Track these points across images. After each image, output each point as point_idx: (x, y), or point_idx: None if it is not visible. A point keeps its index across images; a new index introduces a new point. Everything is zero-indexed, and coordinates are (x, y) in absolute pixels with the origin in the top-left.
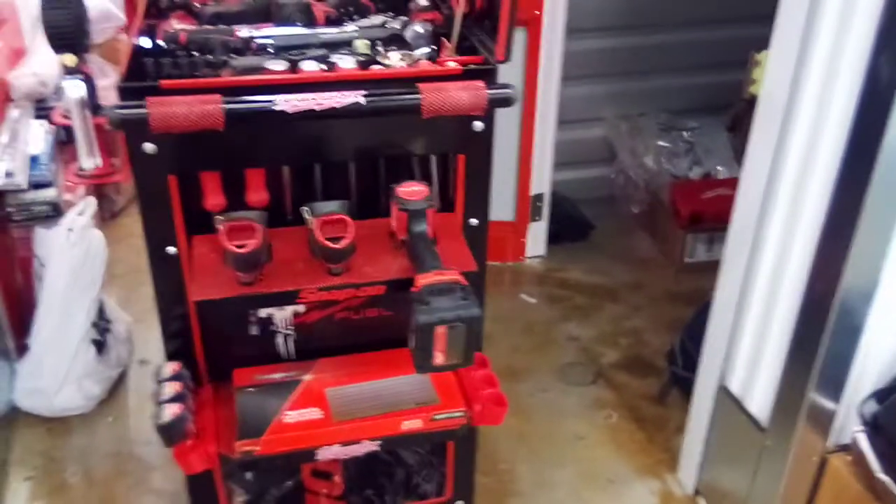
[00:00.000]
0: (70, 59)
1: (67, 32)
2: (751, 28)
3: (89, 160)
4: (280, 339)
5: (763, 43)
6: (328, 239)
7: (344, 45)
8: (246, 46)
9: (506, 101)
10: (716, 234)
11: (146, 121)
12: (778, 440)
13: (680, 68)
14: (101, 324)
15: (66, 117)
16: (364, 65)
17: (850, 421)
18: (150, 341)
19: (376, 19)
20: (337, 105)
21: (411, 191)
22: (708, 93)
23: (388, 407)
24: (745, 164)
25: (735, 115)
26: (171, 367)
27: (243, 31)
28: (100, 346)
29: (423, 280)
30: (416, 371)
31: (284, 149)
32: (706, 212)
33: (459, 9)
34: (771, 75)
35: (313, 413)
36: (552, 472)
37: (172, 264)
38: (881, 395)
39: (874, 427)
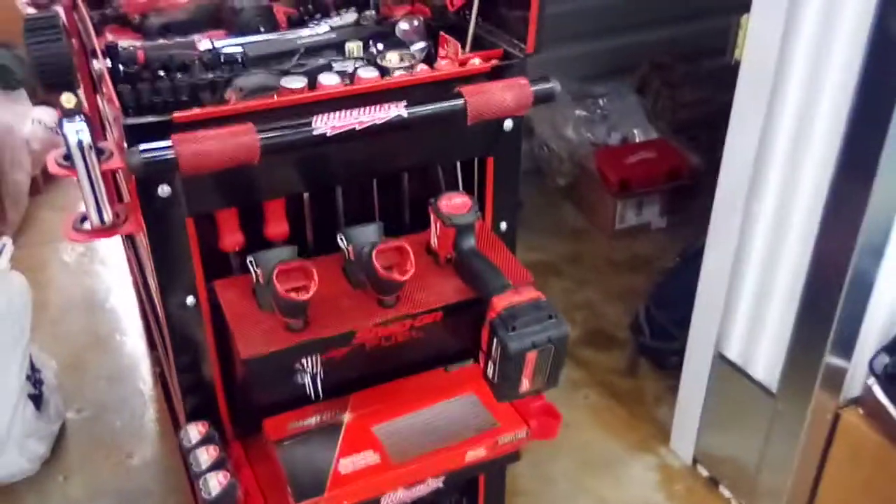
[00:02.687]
0: (68, 98)
1: (58, 68)
2: None
3: (101, 213)
4: (307, 380)
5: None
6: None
7: (329, 49)
8: (219, 60)
9: (549, 96)
10: (644, 198)
11: (175, 162)
12: (791, 404)
13: (583, 35)
14: (34, 375)
15: (62, 165)
16: (381, 72)
17: (858, 376)
18: (82, 386)
19: (348, 17)
20: (379, 121)
21: (455, 204)
22: (611, 57)
23: (446, 438)
24: (732, 122)
25: (642, 76)
26: (198, 429)
27: (204, 42)
28: (37, 400)
29: (501, 302)
30: (499, 401)
31: (314, 172)
32: (633, 177)
33: (476, 2)
34: (754, 35)
35: (369, 457)
36: (549, 466)
37: (192, 316)
38: (891, 348)
39: (890, 379)
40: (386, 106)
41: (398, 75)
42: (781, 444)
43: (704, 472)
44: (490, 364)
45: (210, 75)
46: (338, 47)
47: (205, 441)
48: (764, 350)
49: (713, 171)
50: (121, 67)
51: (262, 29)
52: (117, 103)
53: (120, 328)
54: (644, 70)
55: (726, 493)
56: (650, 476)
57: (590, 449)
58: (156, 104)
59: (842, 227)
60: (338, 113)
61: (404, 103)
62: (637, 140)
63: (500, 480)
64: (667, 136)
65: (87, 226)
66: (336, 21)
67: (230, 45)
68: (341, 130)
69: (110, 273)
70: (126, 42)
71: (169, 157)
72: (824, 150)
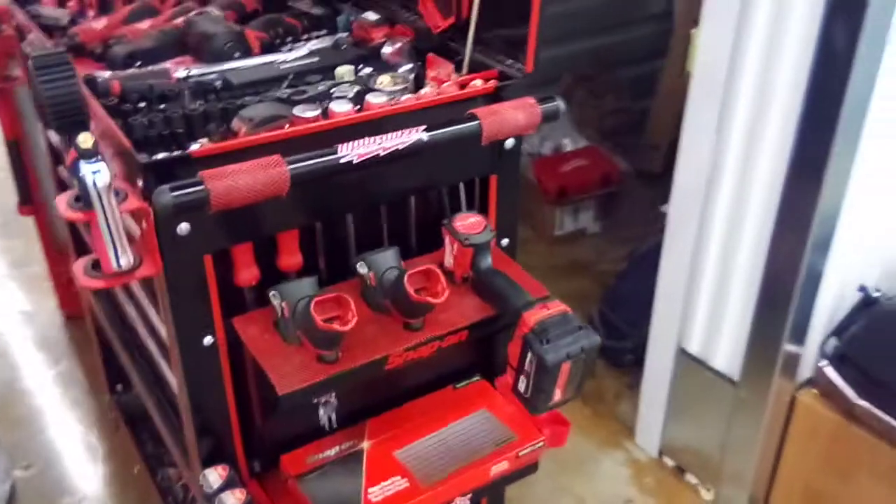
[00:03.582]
0: (85, 139)
1: (72, 107)
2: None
3: (121, 257)
4: (321, 411)
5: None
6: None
7: (313, 73)
8: (203, 90)
9: (555, 114)
10: (580, 205)
11: (207, 199)
12: (752, 391)
13: None
14: None
15: (75, 208)
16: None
17: (810, 359)
18: (25, 441)
19: (325, 40)
20: (402, 146)
21: (470, 223)
22: (536, 70)
23: (469, 455)
24: (686, 129)
25: (566, 87)
26: (219, 473)
27: (179, 71)
28: None
29: (533, 317)
30: (533, 414)
31: (333, 201)
32: (569, 185)
33: (472, 24)
34: (705, 47)
35: (398, 483)
36: None
37: (210, 356)
38: (840, 332)
39: (840, 360)
40: (408, 131)
41: (406, 99)
42: (744, 429)
43: (671, 463)
44: (522, 378)
45: (204, 106)
46: (322, 71)
47: (228, 485)
48: (724, 342)
49: (638, 176)
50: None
51: (236, 55)
52: (127, 141)
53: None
54: (568, 81)
55: (693, 480)
56: (622, 471)
57: (562, 449)
58: (150, 137)
59: (794, 225)
60: (363, 140)
61: (424, 127)
62: (567, 149)
63: (500, 492)
64: (595, 144)
65: (100, 270)
66: (313, 45)
67: (209, 73)
68: (367, 157)
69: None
70: (97, 72)
71: (200, 194)
72: (775, 154)
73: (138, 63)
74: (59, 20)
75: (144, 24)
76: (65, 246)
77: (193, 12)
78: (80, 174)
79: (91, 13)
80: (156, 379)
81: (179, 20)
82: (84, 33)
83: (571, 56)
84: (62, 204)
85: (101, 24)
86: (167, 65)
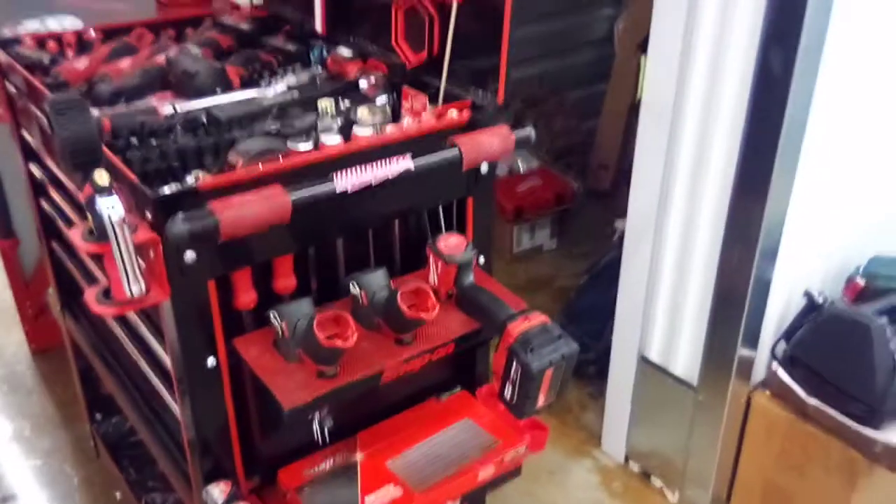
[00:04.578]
0: (102, 176)
1: (88, 148)
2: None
3: (133, 285)
4: (315, 426)
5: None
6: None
7: (295, 107)
8: (193, 125)
9: (527, 141)
10: (536, 223)
11: (217, 228)
12: (711, 394)
13: None
14: None
15: (90, 241)
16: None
17: (762, 362)
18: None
19: (302, 76)
20: (391, 174)
21: (452, 244)
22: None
23: (457, 462)
24: (638, 151)
25: (517, 112)
26: (220, 488)
27: (166, 108)
28: None
29: (517, 329)
30: (519, 418)
31: (326, 226)
32: (525, 204)
33: (446, 60)
34: (652, 74)
35: (392, 491)
36: None
37: (212, 376)
38: (788, 335)
39: (790, 361)
40: (395, 159)
41: (391, 130)
42: (704, 431)
43: (636, 468)
44: (508, 386)
45: (196, 140)
46: (302, 105)
47: (232, 499)
48: (682, 349)
49: (589, 194)
50: None
51: (217, 90)
52: (133, 176)
53: None
54: (518, 105)
55: (658, 483)
56: (591, 478)
57: (532, 460)
58: (148, 172)
59: (742, 237)
60: (356, 169)
61: (410, 155)
62: (521, 170)
63: (482, 498)
64: (547, 164)
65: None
66: (291, 80)
67: (196, 110)
68: (360, 186)
69: None
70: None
71: (211, 224)
72: (722, 172)
73: (123, 100)
74: (41, 60)
75: (125, 63)
76: (32, 278)
77: (172, 50)
78: (97, 209)
79: (70, 53)
80: (151, 402)
81: (160, 58)
82: (67, 72)
83: (521, 80)
84: (76, 237)
85: (82, 63)
86: (152, 101)
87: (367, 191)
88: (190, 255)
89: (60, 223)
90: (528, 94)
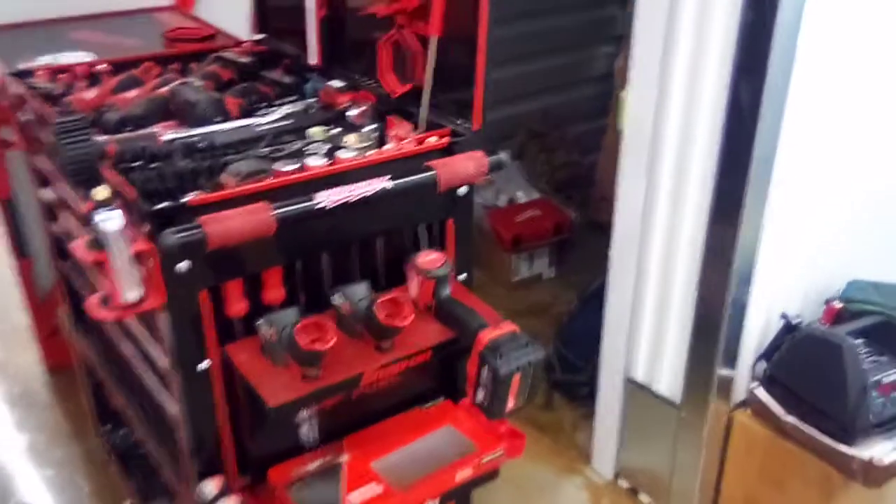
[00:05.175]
0: (103, 191)
1: (90, 165)
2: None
3: (130, 292)
4: (304, 429)
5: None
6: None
7: (288, 134)
8: (191, 150)
9: (500, 165)
10: (535, 252)
11: (205, 240)
12: (692, 412)
13: None
14: None
15: (92, 251)
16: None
17: (742, 382)
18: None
19: (297, 105)
20: (368, 193)
21: (431, 259)
22: (491, 128)
23: (437, 464)
24: (620, 180)
25: (520, 144)
26: (214, 485)
27: (167, 135)
28: None
29: (487, 336)
30: (490, 419)
31: (313, 240)
32: (523, 234)
33: (427, 90)
34: (632, 107)
35: (374, 489)
36: (491, 498)
37: (204, 379)
38: (767, 356)
39: (769, 381)
40: (375, 180)
41: (372, 153)
42: (687, 448)
43: (625, 485)
44: (480, 390)
45: (192, 163)
46: (296, 132)
47: (224, 494)
48: (665, 369)
49: (589, 226)
50: None
51: (216, 119)
52: (135, 193)
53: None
54: (521, 138)
55: (646, 499)
56: (581, 495)
57: (524, 478)
58: (148, 191)
59: (718, 262)
60: (336, 188)
61: (388, 177)
62: (521, 201)
63: (467, 497)
64: (547, 196)
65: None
66: (286, 109)
67: (192, 136)
68: (339, 203)
69: None
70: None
71: (199, 236)
72: (698, 200)
73: (129, 128)
74: (53, 90)
75: (131, 94)
76: (47, 297)
77: (176, 82)
78: (97, 221)
79: (81, 84)
80: (151, 406)
81: (164, 89)
82: (77, 102)
83: (524, 115)
84: (80, 248)
85: (91, 94)
86: (155, 129)
87: (350, 208)
88: (183, 266)
89: (69, 244)
90: (531, 128)
